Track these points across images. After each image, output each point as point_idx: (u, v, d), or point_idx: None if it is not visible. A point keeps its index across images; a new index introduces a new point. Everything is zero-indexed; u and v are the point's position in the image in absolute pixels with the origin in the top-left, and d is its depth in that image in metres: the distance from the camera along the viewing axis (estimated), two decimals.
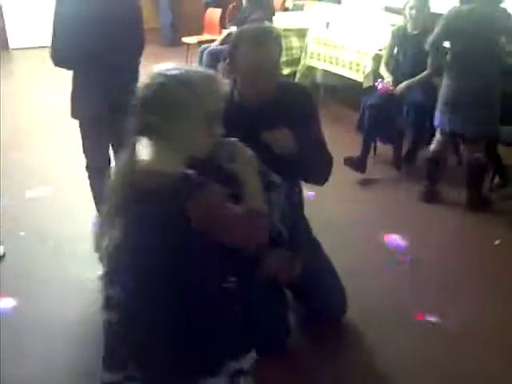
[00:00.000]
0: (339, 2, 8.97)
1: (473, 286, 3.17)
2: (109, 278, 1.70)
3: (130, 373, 1.69)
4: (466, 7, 3.71)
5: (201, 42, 7.66)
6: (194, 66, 1.75)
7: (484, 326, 2.84)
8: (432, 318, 2.89)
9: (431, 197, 4.11)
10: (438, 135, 4.02)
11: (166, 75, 1.60)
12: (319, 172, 2.64)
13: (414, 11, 4.44)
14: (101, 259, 1.73)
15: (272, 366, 2.44)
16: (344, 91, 6.31)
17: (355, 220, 3.91)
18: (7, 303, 3.03)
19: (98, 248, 1.71)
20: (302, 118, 2.48)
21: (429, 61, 4.29)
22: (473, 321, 2.88)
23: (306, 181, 2.70)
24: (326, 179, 2.67)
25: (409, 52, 4.54)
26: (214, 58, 6.66)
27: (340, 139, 5.36)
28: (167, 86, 1.59)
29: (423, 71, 4.41)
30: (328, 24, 6.31)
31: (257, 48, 2.29)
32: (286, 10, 8.69)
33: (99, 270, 1.75)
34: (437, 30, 3.86)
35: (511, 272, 3.30)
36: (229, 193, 1.64)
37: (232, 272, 1.78)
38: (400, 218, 3.95)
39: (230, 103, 1.87)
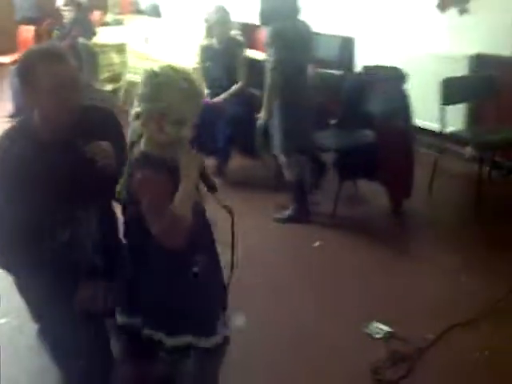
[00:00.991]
0: (159, 15, 8.98)
1: (296, 284, 3.29)
2: None
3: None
4: (286, 26, 3.74)
5: (15, 62, 7.24)
6: None
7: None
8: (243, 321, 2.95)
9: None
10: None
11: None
12: None
13: (215, 27, 4.52)
14: None
15: None
16: None
17: None
18: None
19: None
20: (112, 141, 2.39)
21: (239, 72, 4.39)
22: (299, 319, 2.98)
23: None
24: None
25: (219, 65, 4.63)
26: None
27: None
28: None
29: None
30: (147, 39, 6.28)
31: (57, 63, 2.13)
32: (106, 24, 8.50)
33: None
34: (273, 51, 3.72)
35: (328, 267, 3.49)
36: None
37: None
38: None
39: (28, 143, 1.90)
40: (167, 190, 1.79)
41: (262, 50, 6.01)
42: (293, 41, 3.74)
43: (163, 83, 1.81)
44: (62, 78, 2.14)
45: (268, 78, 3.76)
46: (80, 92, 2.25)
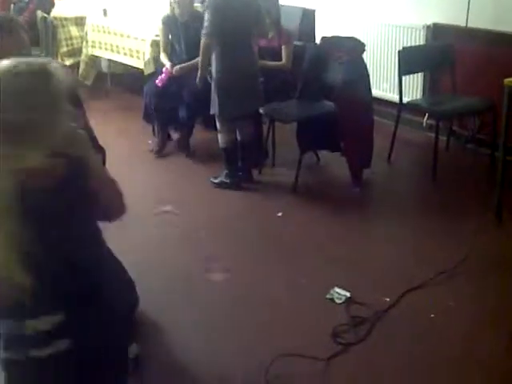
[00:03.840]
0: None
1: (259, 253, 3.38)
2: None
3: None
4: None
5: None
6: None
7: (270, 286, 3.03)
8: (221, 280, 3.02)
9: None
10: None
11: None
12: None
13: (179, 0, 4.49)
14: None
15: None
16: (130, 79, 6.23)
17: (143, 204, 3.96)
18: None
19: None
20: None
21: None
22: (260, 285, 3.06)
23: None
24: None
25: (182, 39, 4.61)
26: None
27: (129, 128, 5.36)
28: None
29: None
30: (105, 11, 6.18)
31: (4, 33, 2.16)
32: None
33: None
34: (207, 19, 3.85)
35: (291, 236, 3.57)
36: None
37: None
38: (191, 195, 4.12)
39: None
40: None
41: None
42: (228, 9, 3.83)
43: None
44: (5, 48, 2.10)
45: (201, 42, 3.92)
46: None
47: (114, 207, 1.79)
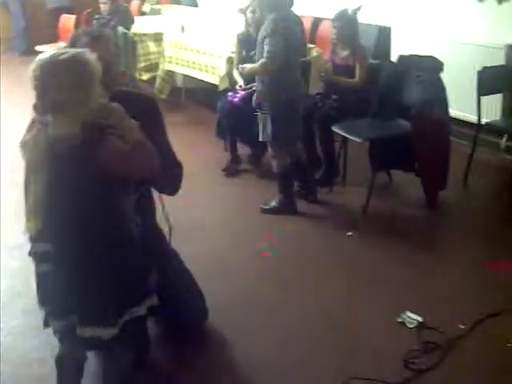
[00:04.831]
0: (196, 5, 9.03)
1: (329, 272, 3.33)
2: (40, 235, 1.98)
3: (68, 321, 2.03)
4: (288, 15, 3.83)
5: None
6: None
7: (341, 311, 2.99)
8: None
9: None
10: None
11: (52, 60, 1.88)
12: (170, 181, 2.63)
13: (256, 15, 4.52)
14: (28, 214, 1.96)
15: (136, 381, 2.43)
16: (205, 94, 6.34)
17: (212, 220, 3.98)
18: None
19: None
20: (148, 128, 2.45)
21: None
22: (331, 307, 3.02)
23: (159, 190, 2.69)
24: (177, 189, 2.67)
25: (256, 56, 4.63)
26: None
27: (201, 143, 5.43)
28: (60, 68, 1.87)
29: None
30: (183, 28, 6.33)
31: (92, 41, 2.31)
32: (144, 14, 8.59)
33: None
34: (272, 44, 3.73)
35: (361, 257, 3.51)
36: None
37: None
38: (260, 215, 4.08)
39: None
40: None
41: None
42: (291, 34, 3.78)
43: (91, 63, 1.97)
44: (95, 53, 2.23)
45: (262, 65, 3.82)
46: (111, 76, 2.35)
47: (154, 173, 2.06)
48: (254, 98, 4.01)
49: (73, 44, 2.36)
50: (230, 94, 4.78)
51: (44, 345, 2.58)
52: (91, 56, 1.95)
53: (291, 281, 3.31)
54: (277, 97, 3.84)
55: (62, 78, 1.85)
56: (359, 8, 4.45)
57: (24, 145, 1.95)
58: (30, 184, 1.96)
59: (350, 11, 4.45)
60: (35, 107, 1.89)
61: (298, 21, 3.91)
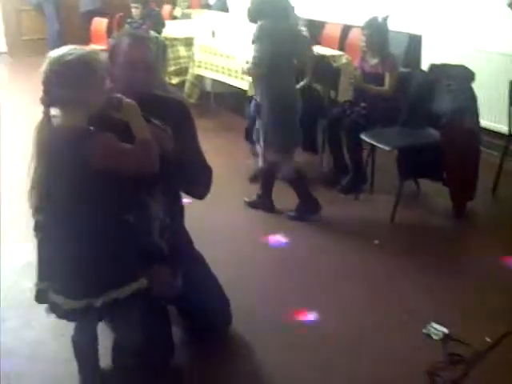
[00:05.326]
0: (227, 10, 9.08)
1: (354, 281, 3.32)
2: (39, 205, 2.10)
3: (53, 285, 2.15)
4: (273, 24, 3.83)
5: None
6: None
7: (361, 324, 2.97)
8: (313, 318, 2.99)
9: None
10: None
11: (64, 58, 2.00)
12: (199, 185, 2.66)
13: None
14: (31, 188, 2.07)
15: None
16: (234, 99, 6.37)
17: (237, 226, 4.00)
18: None
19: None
20: (178, 133, 2.48)
21: (305, 69, 4.42)
22: (355, 315, 3.00)
23: (188, 193, 2.72)
24: (206, 193, 2.69)
25: None
26: None
27: (229, 148, 5.45)
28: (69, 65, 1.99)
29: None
30: (214, 32, 6.37)
31: (134, 42, 2.39)
32: (175, 18, 8.68)
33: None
34: (259, 48, 3.82)
35: (388, 266, 3.48)
36: (121, 138, 2.04)
37: (127, 208, 2.20)
38: (281, 220, 4.10)
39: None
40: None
41: (329, 47, 6.07)
42: (278, 39, 3.81)
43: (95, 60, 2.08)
44: (136, 55, 2.37)
45: (247, 71, 4.02)
46: (151, 76, 2.40)
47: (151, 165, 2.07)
48: (252, 104, 4.06)
49: (115, 44, 2.43)
50: None
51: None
52: (98, 56, 2.08)
53: (314, 287, 3.30)
54: (269, 101, 3.88)
55: (64, 76, 1.98)
56: (388, 16, 4.43)
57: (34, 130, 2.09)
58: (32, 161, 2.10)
59: (380, 19, 4.44)
60: (41, 100, 2.01)
61: (287, 28, 3.94)
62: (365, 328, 2.93)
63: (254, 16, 3.93)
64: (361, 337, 2.87)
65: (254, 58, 3.85)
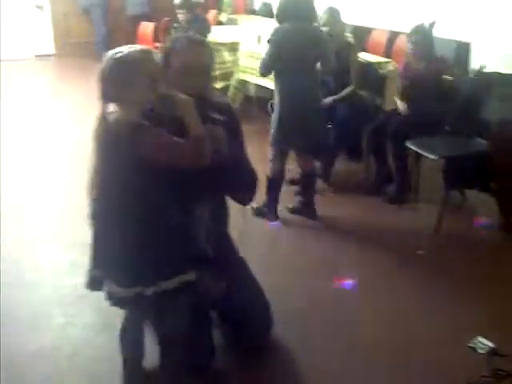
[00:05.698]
0: (272, 16, 9.06)
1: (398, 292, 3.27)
2: (95, 196, 2.18)
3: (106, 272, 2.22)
4: (289, 26, 3.86)
5: None
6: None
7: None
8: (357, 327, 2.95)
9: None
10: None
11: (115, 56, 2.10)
12: (244, 189, 2.66)
13: (326, 28, 4.51)
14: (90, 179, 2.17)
15: None
16: None
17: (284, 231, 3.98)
18: None
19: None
20: (229, 137, 2.48)
21: (351, 75, 4.39)
22: (398, 325, 2.96)
23: (232, 197, 2.72)
24: (251, 198, 2.69)
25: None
26: None
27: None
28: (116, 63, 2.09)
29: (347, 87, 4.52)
30: (259, 38, 6.37)
31: (193, 45, 2.43)
32: (220, 23, 8.73)
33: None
34: (267, 49, 3.91)
35: (432, 277, 3.42)
36: (175, 134, 2.11)
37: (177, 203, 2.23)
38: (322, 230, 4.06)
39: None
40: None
41: (375, 53, 6.01)
42: (291, 42, 3.85)
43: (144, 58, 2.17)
44: (195, 58, 2.40)
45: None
46: (207, 80, 2.42)
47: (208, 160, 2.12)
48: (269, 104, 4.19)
49: (171, 44, 2.46)
50: None
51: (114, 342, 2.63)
52: (150, 55, 2.17)
53: (357, 296, 3.26)
54: (276, 102, 3.98)
55: (116, 73, 2.08)
56: (434, 23, 4.37)
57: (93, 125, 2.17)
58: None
59: (426, 25, 4.38)
60: (99, 96, 2.13)
61: (308, 30, 3.94)
62: (407, 337, 2.89)
63: (279, 18, 4.00)
64: (402, 346, 2.82)
65: (262, 59, 3.98)
